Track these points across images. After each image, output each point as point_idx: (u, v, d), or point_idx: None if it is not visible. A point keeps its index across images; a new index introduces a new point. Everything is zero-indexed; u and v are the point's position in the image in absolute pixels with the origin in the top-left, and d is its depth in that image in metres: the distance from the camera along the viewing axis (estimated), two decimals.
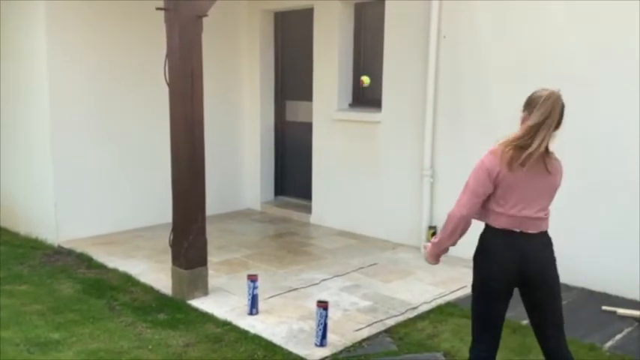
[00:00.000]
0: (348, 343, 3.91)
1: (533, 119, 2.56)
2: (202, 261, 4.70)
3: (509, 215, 2.66)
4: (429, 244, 2.90)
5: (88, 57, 6.16)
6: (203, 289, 4.71)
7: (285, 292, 4.82)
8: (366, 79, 4.48)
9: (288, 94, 7.75)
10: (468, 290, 4.79)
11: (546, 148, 2.62)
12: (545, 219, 2.71)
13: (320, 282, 5.06)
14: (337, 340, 3.94)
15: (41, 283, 5.02)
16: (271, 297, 4.70)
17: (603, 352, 3.84)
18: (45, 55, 5.92)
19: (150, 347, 3.86)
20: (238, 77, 7.65)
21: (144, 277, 5.13)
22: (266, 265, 5.50)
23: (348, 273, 5.30)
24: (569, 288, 4.77)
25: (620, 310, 4.42)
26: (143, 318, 4.31)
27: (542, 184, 2.67)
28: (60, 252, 5.91)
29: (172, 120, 4.59)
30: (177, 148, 4.59)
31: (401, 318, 4.32)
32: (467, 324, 4.15)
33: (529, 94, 2.70)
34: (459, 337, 4.00)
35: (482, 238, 2.77)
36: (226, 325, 4.19)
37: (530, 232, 2.67)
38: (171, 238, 4.69)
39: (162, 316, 4.35)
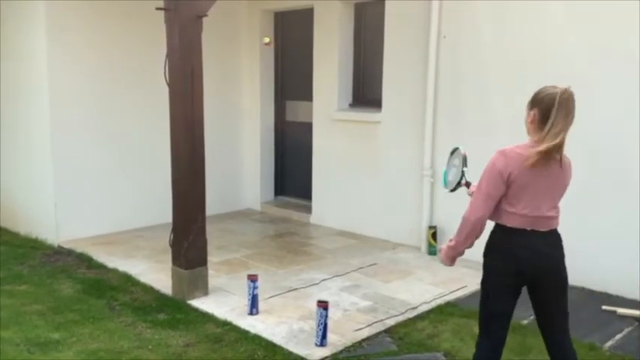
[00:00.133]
0: (348, 343, 3.91)
1: (559, 121, 2.54)
2: (202, 261, 4.70)
3: (521, 215, 2.66)
4: (445, 247, 2.90)
5: (88, 57, 6.16)
6: (203, 289, 4.71)
7: (285, 292, 4.83)
8: (266, 39, 4.65)
9: (288, 94, 7.75)
10: (468, 290, 4.85)
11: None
12: (556, 217, 2.73)
13: (320, 282, 5.06)
14: (337, 340, 3.94)
15: (41, 283, 5.02)
16: (271, 297, 4.70)
17: (603, 351, 3.84)
18: (45, 55, 5.92)
19: (150, 347, 3.86)
20: (238, 77, 7.65)
21: (144, 277, 5.13)
22: (266, 265, 5.50)
23: (348, 273, 5.30)
24: (569, 287, 4.75)
25: (620, 310, 4.43)
26: (143, 318, 4.31)
27: (554, 182, 2.68)
28: (60, 252, 5.91)
29: (172, 120, 4.59)
30: (177, 148, 4.59)
31: (401, 318, 4.32)
32: (467, 324, 4.18)
33: (530, 93, 2.70)
34: (458, 337, 4.00)
35: (493, 236, 2.77)
36: (226, 325, 4.19)
37: (541, 230, 2.68)
38: (171, 238, 4.69)
39: (162, 316, 4.35)
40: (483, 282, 2.82)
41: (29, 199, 6.50)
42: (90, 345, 3.88)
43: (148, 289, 4.88)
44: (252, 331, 4.09)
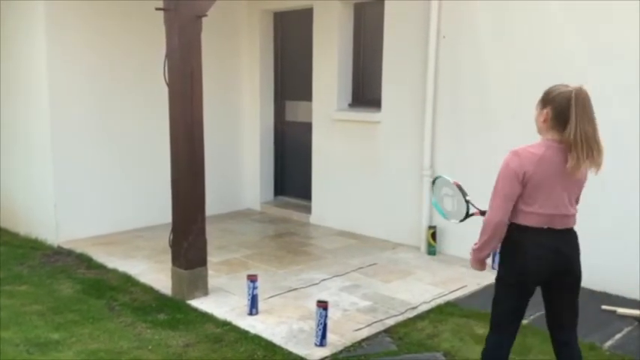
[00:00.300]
0: (348, 343, 3.91)
1: (585, 121, 2.56)
2: (202, 261, 4.70)
3: (537, 213, 2.67)
4: (470, 251, 2.89)
5: (87, 57, 6.16)
6: (203, 290, 4.71)
7: (284, 292, 4.82)
8: None
9: (288, 94, 7.75)
10: (468, 290, 4.85)
11: None
12: (572, 215, 2.73)
13: (320, 282, 5.06)
14: (337, 340, 3.94)
15: (41, 284, 5.02)
16: (271, 297, 4.70)
17: (603, 351, 3.84)
18: (45, 55, 5.92)
19: (150, 347, 3.86)
20: (238, 77, 7.65)
21: (144, 278, 5.12)
22: (266, 265, 5.50)
23: (347, 273, 5.30)
24: None
25: (620, 310, 4.43)
26: (143, 318, 4.31)
27: (570, 180, 2.68)
28: (60, 252, 5.91)
29: (172, 120, 4.59)
30: (176, 148, 4.59)
31: (400, 318, 4.32)
32: (467, 324, 4.19)
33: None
34: (458, 337, 4.00)
35: (510, 235, 2.76)
36: (226, 325, 4.19)
37: (557, 228, 2.69)
38: (171, 238, 4.69)
39: (162, 317, 4.35)
40: (498, 279, 2.83)
41: (29, 199, 6.50)
42: (89, 345, 3.88)
43: (148, 290, 4.88)
44: (252, 331, 4.09)
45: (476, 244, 2.85)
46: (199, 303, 4.56)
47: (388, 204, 6.31)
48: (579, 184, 2.75)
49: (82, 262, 5.59)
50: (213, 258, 5.33)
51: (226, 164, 7.57)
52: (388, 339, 4.01)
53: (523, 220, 2.70)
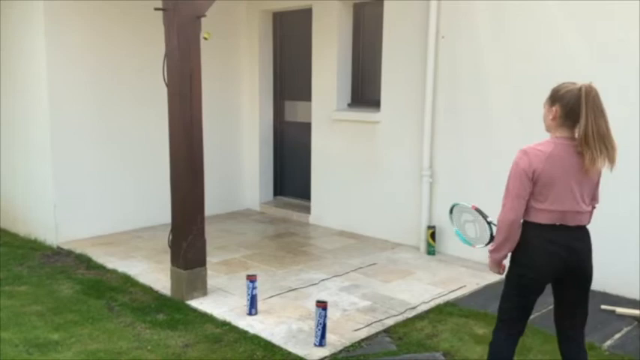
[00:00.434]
0: (347, 343, 3.91)
1: (597, 117, 2.58)
2: (201, 261, 4.70)
3: (549, 210, 2.68)
4: (488, 253, 2.88)
5: (87, 57, 6.16)
6: (202, 290, 4.71)
7: (284, 292, 4.83)
8: (207, 35, 4.62)
9: (287, 94, 7.75)
10: (467, 290, 4.85)
11: None
12: (585, 213, 2.73)
13: (319, 282, 5.06)
14: (336, 340, 3.94)
15: (40, 284, 5.02)
16: (270, 297, 4.70)
17: (602, 351, 3.84)
18: (44, 55, 5.92)
19: (149, 348, 3.86)
20: (237, 77, 7.65)
21: (143, 278, 5.13)
22: (265, 266, 5.50)
23: (347, 273, 5.30)
24: None
25: (619, 309, 4.43)
26: (142, 318, 4.31)
27: (581, 178, 2.68)
28: (59, 253, 5.91)
29: (171, 120, 4.59)
30: (176, 148, 4.59)
31: (400, 318, 4.32)
32: (466, 324, 4.19)
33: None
34: (458, 337, 4.00)
35: (522, 232, 2.76)
36: (225, 325, 4.19)
37: (570, 225, 2.70)
38: (170, 238, 4.69)
39: (161, 317, 4.35)
40: (509, 276, 2.84)
41: (28, 199, 6.50)
42: (89, 345, 3.88)
43: (147, 290, 4.88)
44: (251, 331, 4.09)
45: (492, 245, 2.85)
46: (199, 303, 4.56)
47: (387, 204, 6.32)
48: (591, 181, 2.74)
49: (81, 262, 5.59)
50: (212, 258, 5.33)
51: (226, 164, 7.57)
52: (387, 339, 4.01)
53: (535, 218, 2.72)
